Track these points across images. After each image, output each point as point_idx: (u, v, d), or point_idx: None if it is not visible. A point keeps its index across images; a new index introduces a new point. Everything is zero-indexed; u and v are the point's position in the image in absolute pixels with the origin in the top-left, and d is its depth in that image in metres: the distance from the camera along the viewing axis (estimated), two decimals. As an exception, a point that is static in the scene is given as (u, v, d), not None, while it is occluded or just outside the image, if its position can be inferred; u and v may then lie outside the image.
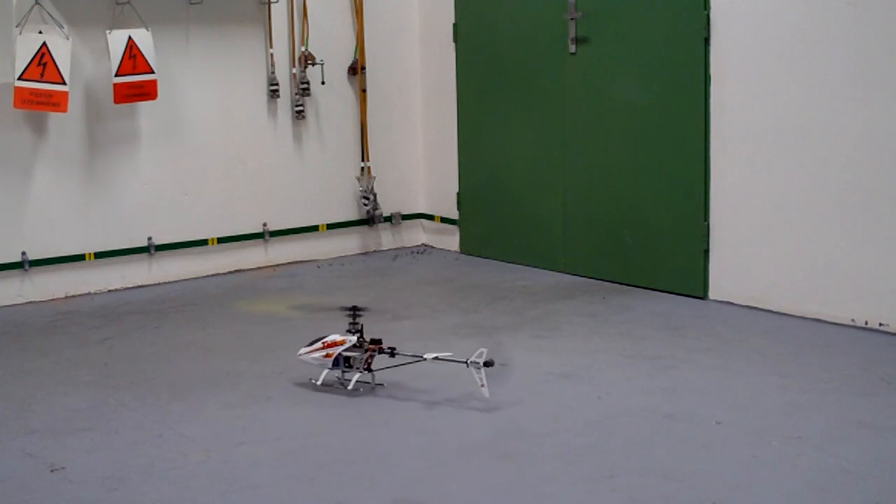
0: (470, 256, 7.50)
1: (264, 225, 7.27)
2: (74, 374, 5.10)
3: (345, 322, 4.73)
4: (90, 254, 6.63)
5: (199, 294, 6.60)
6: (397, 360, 4.65)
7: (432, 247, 7.85)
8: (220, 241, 7.11)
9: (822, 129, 5.52)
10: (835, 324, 5.52)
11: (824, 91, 5.50)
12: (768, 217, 5.79)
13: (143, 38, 6.52)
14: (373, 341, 4.65)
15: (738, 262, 5.94)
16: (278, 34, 7.21)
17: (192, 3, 6.85)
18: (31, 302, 6.48)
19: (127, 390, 4.83)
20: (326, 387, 4.69)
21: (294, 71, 7.27)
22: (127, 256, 6.77)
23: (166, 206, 6.90)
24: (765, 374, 4.82)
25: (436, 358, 4.53)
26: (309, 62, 7.26)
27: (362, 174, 7.57)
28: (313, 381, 4.70)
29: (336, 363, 4.62)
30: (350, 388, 4.60)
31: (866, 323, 5.43)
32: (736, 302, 5.96)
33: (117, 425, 4.39)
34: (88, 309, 6.31)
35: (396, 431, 4.28)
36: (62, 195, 6.56)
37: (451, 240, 7.70)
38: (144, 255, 6.84)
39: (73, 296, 6.59)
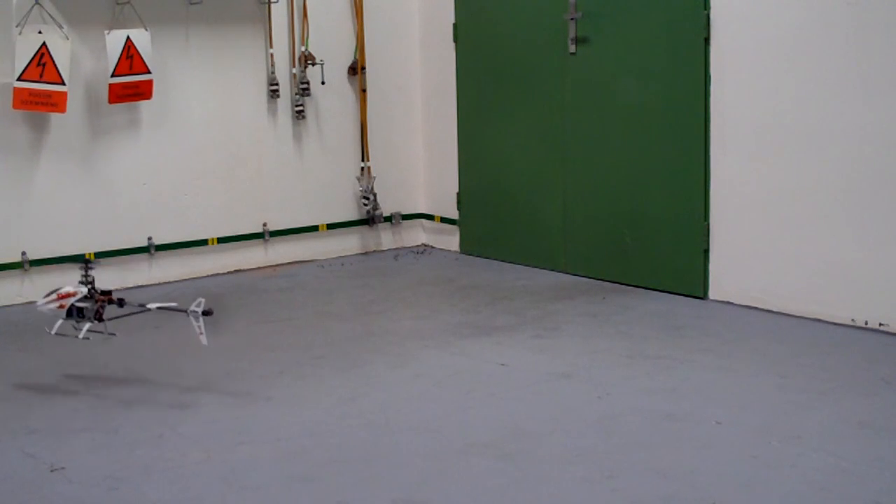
0: (470, 256, 7.50)
1: (264, 225, 7.28)
2: (74, 374, 5.10)
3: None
4: (90, 254, 6.63)
5: (198, 294, 6.55)
6: (125, 309, 4.79)
7: (432, 247, 7.85)
8: (220, 241, 7.12)
9: (821, 129, 5.52)
10: (835, 324, 5.52)
11: (824, 91, 5.50)
12: (768, 217, 5.78)
13: (142, 39, 6.52)
14: (103, 292, 4.77)
15: (738, 262, 5.94)
16: (278, 34, 7.21)
17: (191, 4, 6.85)
18: (31, 302, 6.46)
19: (127, 390, 4.83)
20: (60, 336, 4.78)
21: (294, 71, 7.27)
22: (127, 256, 6.77)
23: (166, 206, 6.91)
24: (765, 374, 4.82)
25: (159, 307, 4.74)
26: (309, 62, 7.26)
27: (362, 174, 7.57)
28: (48, 330, 4.82)
29: (70, 314, 4.75)
30: (81, 336, 4.72)
31: (866, 323, 5.43)
32: (736, 302, 5.95)
33: (117, 425, 4.39)
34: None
35: (396, 431, 4.28)
36: (62, 195, 6.56)
37: (451, 240, 7.70)
38: (144, 255, 6.85)
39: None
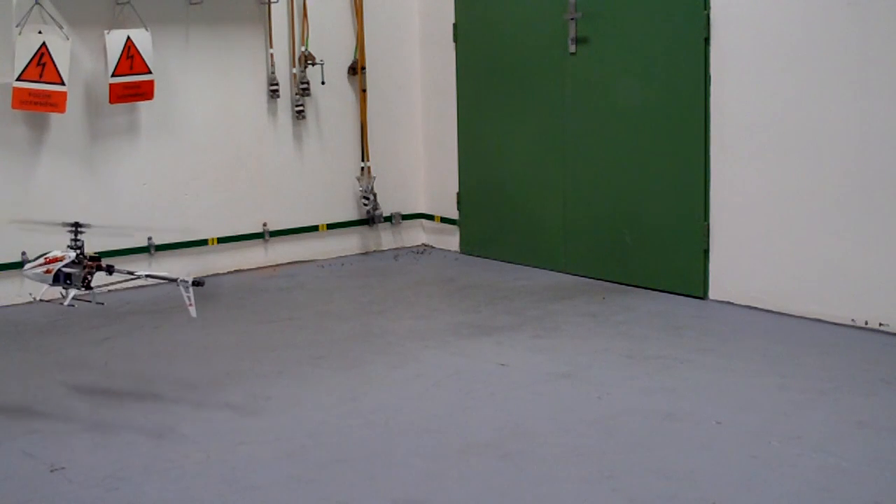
0: (470, 256, 7.50)
1: (264, 225, 7.28)
2: (74, 374, 5.10)
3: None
4: (90, 253, 6.62)
5: (199, 294, 6.57)
6: (115, 277, 4.67)
7: (432, 247, 7.85)
8: (220, 241, 7.12)
9: (821, 129, 5.52)
10: (835, 324, 5.52)
11: (824, 91, 5.50)
12: (768, 217, 5.79)
13: (142, 39, 6.52)
14: (92, 258, 4.63)
15: (738, 262, 5.94)
16: (278, 34, 7.22)
17: (191, 4, 6.85)
18: (31, 302, 6.47)
19: (127, 390, 4.83)
20: (45, 302, 4.67)
21: (294, 71, 7.27)
22: (127, 256, 6.76)
23: (166, 206, 6.91)
24: (765, 374, 4.82)
25: (148, 276, 4.66)
26: (309, 62, 7.26)
27: (362, 174, 7.57)
28: (32, 296, 4.70)
29: (56, 279, 4.59)
30: (67, 304, 4.59)
31: (866, 323, 5.43)
32: (736, 302, 5.95)
33: (117, 425, 4.39)
34: (88, 309, 6.29)
35: (396, 431, 4.28)
36: (62, 195, 6.56)
37: (451, 240, 7.70)
38: (144, 255, 6.84)
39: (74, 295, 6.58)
